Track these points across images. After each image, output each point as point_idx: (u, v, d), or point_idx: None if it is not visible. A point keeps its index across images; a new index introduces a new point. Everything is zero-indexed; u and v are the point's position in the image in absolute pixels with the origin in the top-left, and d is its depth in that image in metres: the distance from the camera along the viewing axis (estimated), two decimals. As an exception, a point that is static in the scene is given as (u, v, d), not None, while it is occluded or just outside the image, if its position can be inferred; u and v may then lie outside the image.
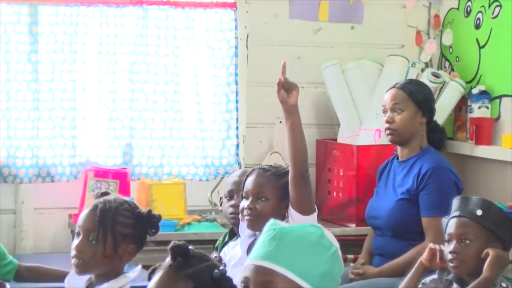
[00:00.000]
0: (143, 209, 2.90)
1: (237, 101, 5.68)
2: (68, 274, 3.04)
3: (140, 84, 5.43)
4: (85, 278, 2.84)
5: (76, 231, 2.83)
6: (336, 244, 1.92)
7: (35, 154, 5.19)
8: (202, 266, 1.90)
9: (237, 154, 5.68)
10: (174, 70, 5.53)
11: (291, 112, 3.55)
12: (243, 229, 3.67)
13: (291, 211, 3.48)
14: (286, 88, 3.55)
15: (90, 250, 2.71)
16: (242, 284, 1.84)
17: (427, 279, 3.49)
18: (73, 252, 2.77)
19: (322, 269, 1.83)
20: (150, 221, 2.84)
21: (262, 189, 3.57)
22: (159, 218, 2.88)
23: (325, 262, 1.84)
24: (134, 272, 2.86)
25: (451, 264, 3.29)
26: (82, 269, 2.78)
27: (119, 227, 2.74)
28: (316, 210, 3.60)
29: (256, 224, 3.43)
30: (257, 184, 3.58)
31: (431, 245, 3.49)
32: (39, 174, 5.20)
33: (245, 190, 3.63)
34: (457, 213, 3.35)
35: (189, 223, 5.27)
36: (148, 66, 5.44)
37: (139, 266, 2.96)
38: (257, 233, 3.35)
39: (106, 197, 2.85)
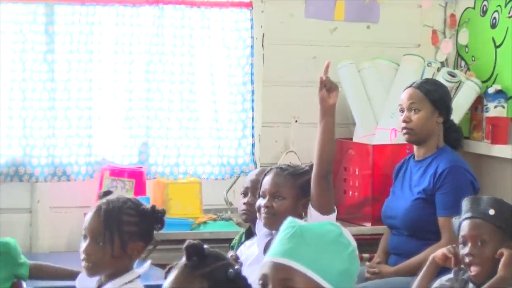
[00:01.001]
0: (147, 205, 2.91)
1: (252, 101, 5.67)
2: (80, 273, 3.04)
3: (156, 83, 5.43)
4: (96, 278, 2.85)
5: (83, 234, 2.83)
6: (354, 243, 1.90)
7: (51, 153, 5.22)
8: (217, 265, 1.90)
9: (253, 153, 5.67)
10: (190, 69, 5.54)
11: (328, 112, 3.55)
12: (260, 228, 3.66)
13: (311, 211, 3.47)
14: (328, 87, 3.54)
15: (98, 253, 2.72)
16: (260, 282, 1.83)
17: (443, 278, 3.49)
18: (82, 256, 2.78)
19: (340, 267, 1.81)
20: (155, 217, 2.85)
21: (279, 188, 3.57)
22: (163, 213, 2.89)
23: (344, 260, 1.83)
24: (143, 268, 2.87)
25: (470, 272, 3.28)
26: (92, 271, 2.78)
27: (125, 226, 2.74)
28: (336, 210, 3.59)
29: (273, 222, 3.43)
30: (274, 184, 3.58)
31: (445, 249, 3.49)
32: (55, 173, 5.23)
33: (262, 189, 3.63)
34: (469, 214, 3.34)
35: (204, 222, 5.27)
36: (164, 66, 5.45)
37: (148, 262, 2.98)
38: (273, 232, 3.35)
39: (108, 197, 2.86)
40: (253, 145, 5.69)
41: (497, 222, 3.26)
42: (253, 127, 5.68)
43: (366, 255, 4.97)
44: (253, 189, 3.85)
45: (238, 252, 3.91)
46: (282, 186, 3.58)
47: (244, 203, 4.02)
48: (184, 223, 5.06)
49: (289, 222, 1.91)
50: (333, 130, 3.57)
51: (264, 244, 3.46)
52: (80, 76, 5.30)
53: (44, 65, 5.22)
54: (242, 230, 4.47)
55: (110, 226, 2.70)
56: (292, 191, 3.58)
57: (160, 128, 5.47)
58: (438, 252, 3.53)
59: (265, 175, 3.69)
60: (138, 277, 2.81)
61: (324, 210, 3.46)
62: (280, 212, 3.44)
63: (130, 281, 2.74)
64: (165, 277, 1.93)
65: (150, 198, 5.16)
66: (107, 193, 2.97)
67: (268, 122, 5.87)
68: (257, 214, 3.65)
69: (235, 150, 5.65)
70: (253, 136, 5.69)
